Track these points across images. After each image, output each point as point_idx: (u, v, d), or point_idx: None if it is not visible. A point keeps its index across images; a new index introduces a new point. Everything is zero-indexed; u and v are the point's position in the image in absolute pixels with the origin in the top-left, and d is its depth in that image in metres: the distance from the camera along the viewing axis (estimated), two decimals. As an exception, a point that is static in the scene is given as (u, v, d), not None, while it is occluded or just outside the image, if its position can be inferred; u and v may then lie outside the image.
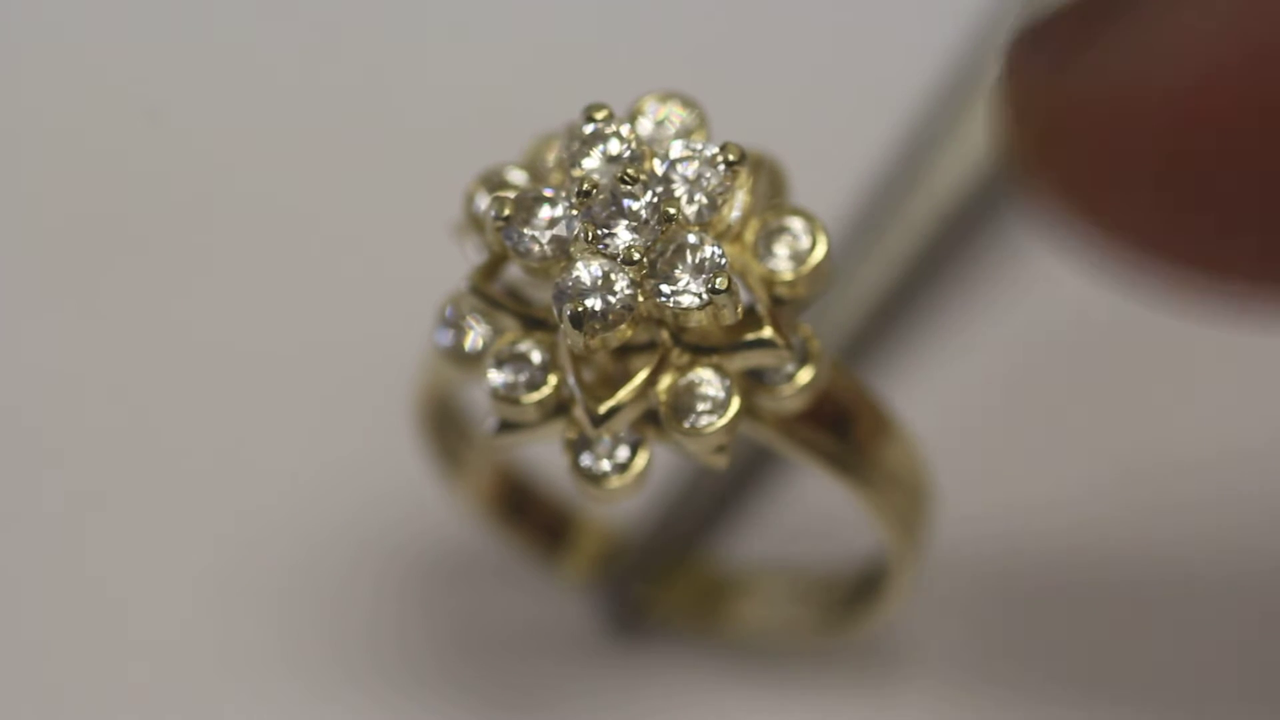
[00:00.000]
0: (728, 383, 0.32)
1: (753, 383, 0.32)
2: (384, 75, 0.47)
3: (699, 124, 0.33)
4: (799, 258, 0.32)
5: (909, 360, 0.41)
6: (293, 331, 0.43)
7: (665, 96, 0.33)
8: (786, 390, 0.32)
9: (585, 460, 0.33)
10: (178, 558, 0.40)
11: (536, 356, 0.32)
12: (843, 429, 0.34)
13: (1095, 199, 0.31)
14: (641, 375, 0.32)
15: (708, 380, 0.32)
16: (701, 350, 0.32)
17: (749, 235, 0.32)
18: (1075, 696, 0.38)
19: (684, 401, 0.32)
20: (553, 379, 0.32)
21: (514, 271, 0.33)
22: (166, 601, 0.39)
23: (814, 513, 0.39)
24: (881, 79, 0.43)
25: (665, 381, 0.32)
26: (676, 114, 0.33)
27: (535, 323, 0.32)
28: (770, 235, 0.32)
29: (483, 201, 0.33)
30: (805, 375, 0.32)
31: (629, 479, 0.33)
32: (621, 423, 0.32)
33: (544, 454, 0.36)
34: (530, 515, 0.40)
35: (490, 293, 0.32)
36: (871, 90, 0.44)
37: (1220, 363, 0.41)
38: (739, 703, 0.39)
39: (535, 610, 0.40)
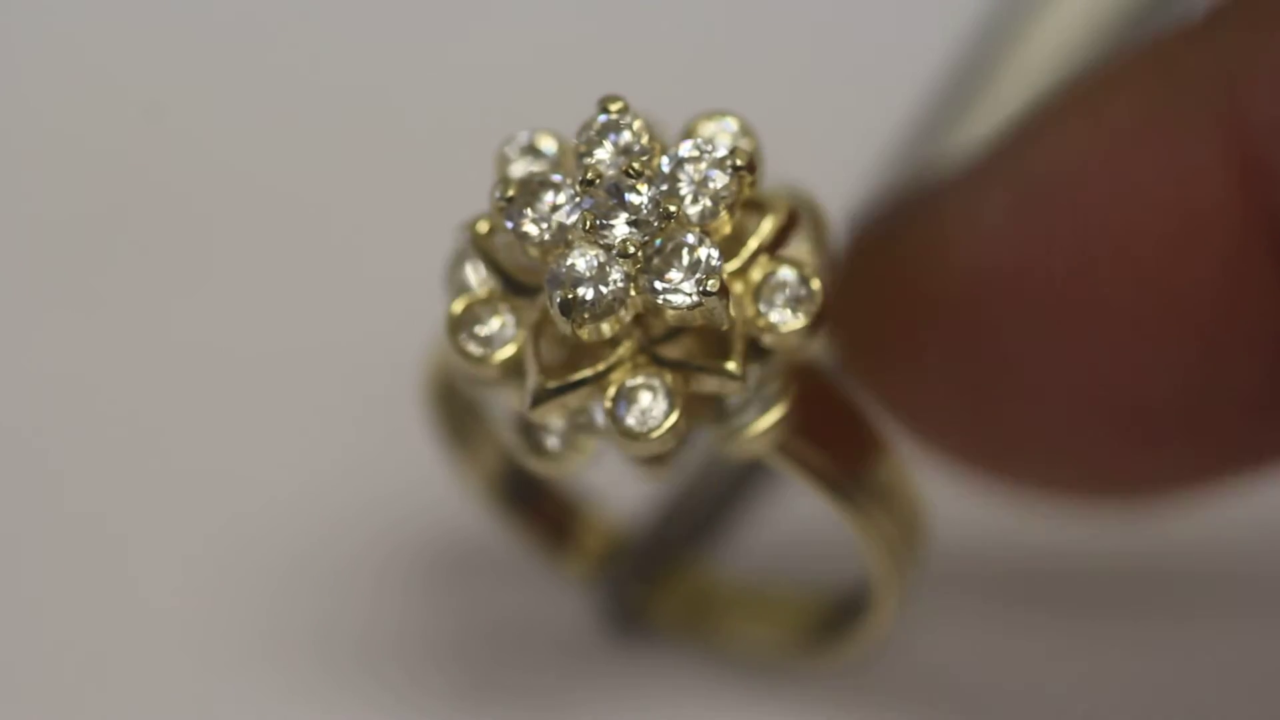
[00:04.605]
0: (670, 395, 0.32)
1: (715, 419, 0.32)
2: (384, 74, 0.47)
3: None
4: (795, 306, 0.32)
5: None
6: (292, 330, 0.43)
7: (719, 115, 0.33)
8: (748, 433, 0.32)
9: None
10: (175, 556, 0.40)
11: (498, 322, 0.33)
12: (833, 446, 0.34)
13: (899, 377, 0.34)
14: (596, 368, 0.32)
15: (655, 388, 0.32)
16: (664, 362, 0.32)
17: (755, 273, 0.32)
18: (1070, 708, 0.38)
19: (626, 402, 0.32)
20: (514, 344, 0.33)
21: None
22: (163, 600, 0.40)
23: (810, 524, 0.39)
24: (881, 77, 0.43)
25: (616, 379, 0.32)
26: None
27: (516, 287, 0.33)
28: (772, 283, 0.32)
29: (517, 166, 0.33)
30: (770, 419, 0.32)
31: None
32: (561, 408, 0.32)
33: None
34: (536, 504, 0.40)
35: (486, 247, 0.32)
36: (871, 89, 0.44)
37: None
38: (734, 705, 0.39)
39: (532, 610, 0.40)
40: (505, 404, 0.33)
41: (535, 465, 0.33)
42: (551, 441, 0.33)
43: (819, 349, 0.33)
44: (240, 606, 0.39)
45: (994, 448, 0.35)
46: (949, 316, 0.33)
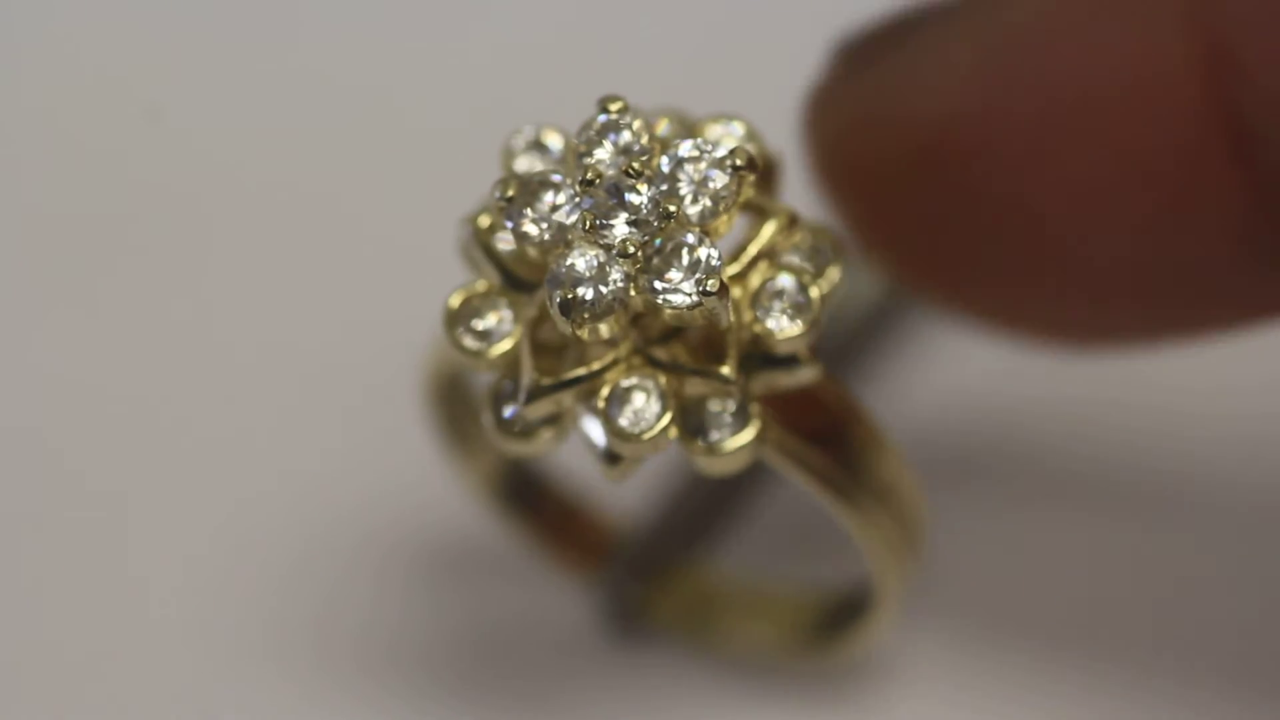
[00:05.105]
0: (663, 397, 0.32)
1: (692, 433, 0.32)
2: (385, 73, 0.47)
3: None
4: (793, 314, 0.32)
5: (902, 367, 0.41)
6: (293, 329, 0.43)
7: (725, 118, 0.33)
8: (724, 448, 0.32)
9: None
10: (175, 556, 0.40)
11: (495, 317, 0.33)
12: (832, 444, 0.34)
13: (865, 208, 0.35)
14: (591, 367, 0.32)
15: (649, 390, 0.32)
16: (659, 364, 0.32)
17: (754, 279, 0.32)
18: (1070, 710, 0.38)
19: (620, 403, 0.32)
20: (511, 339, 0.33)
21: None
22: (163, 600, 0.40)
23: (810, 524, 0.39)
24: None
25: (611, 379, 0.32)
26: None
27: (514, 282, 0.33)
28: (771, 289, 0.32)
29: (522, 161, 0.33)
30: (746, 435, 0.32)
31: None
32: (553, 404, 0.32)
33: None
34: (536, 504, 0.40)
35: (487, 241, 0.32)
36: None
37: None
38: (734, 705, 0.39)
39: (532, 609, 0.40)
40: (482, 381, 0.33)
41: (505, 445, 0.33)
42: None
43: (811, 375, 0.33)
44: (240, 606, 0.39)
45: (973, 287, 0.35)
46: (919, 161, 0.34)
